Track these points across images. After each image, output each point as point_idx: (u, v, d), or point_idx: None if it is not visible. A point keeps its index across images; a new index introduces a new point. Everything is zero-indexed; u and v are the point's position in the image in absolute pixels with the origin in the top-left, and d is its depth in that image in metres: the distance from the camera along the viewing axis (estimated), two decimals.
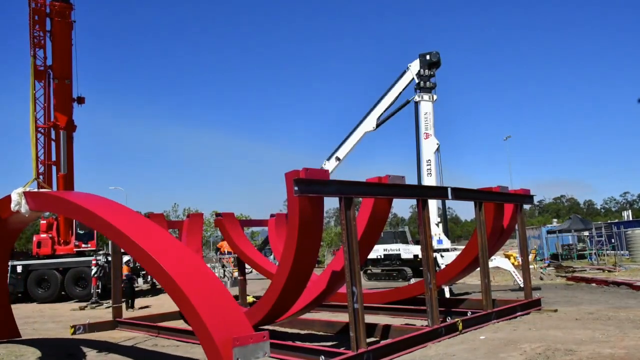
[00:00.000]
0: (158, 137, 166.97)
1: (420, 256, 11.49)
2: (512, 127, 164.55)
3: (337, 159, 21.45)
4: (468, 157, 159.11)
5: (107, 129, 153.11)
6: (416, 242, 25.26)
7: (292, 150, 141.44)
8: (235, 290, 16.77)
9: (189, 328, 10.93)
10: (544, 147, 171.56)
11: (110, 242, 17.26)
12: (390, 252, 24.30)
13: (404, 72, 21.49)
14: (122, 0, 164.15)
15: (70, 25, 18.50)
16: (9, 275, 20.32)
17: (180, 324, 12.58)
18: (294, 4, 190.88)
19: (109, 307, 16.56)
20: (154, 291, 23.33)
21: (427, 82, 21.21)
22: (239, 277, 16.05)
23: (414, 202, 9.60)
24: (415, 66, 21.33)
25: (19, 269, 20.81)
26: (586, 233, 36.71)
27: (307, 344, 8.91)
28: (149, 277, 24.47)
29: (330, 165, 21.60)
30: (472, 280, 18.64)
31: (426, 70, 21.16)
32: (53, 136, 21.06)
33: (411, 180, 10.16)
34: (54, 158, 21.19)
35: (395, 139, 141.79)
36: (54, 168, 21.38)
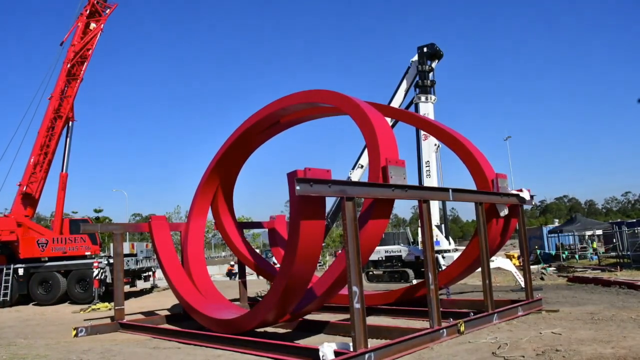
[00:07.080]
0: (160, 138, 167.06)
1: (421, 257, 11.48)
2: (512, 127, 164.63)
3: (361, 166, 22.22)
4: None
5: (108, 130, 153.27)
6: (410, 243, 25.25)
7: (294, 150, 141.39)
8: None
9: (191, 330, 10.94)
10: (543, 147, 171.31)
11: (112, 245, 17.26)
12: (392, 254, 24.24)
13: (408, 68, 21.96)
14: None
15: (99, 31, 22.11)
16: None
17: (181, 325, 12.56)
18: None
19: (110, 309, 16.57)
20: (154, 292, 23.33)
21: (426, 80, 21.32)
22: (239, 280, 16.04)
23: (415, 202, 9.57)
24: (416, 59, 21.74)
25: (21, 272, 20.83)
26: (589, 233, 36.65)
27: (308, 344, 8.90)
28: (151, 278, 24.50)
29: (356, 174, 22.26)
30: (474, 280, 18.61)
31: (425, 66, 21.35)
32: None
33: (412, 181, 10.15)
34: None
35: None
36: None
